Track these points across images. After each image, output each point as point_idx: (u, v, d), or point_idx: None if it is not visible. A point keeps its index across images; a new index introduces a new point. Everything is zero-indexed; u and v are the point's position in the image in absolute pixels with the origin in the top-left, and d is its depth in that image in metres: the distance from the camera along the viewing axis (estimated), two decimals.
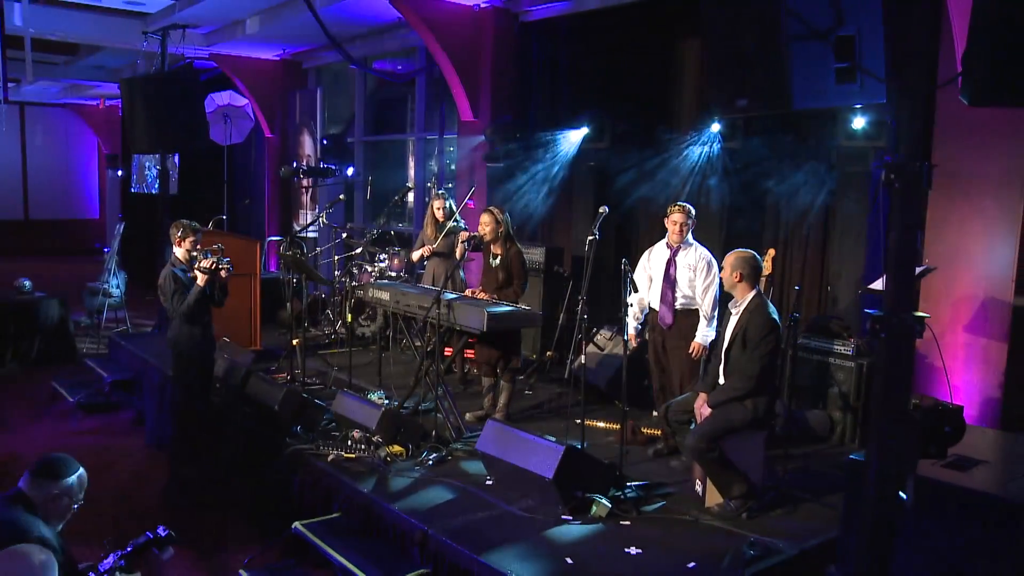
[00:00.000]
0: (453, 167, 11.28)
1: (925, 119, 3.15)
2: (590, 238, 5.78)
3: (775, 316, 5.01)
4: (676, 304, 6.14)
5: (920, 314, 3.26)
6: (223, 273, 6.49)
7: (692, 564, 4.30)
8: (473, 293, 6.96)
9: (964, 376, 6.67)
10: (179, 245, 6.62)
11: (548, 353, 8.24)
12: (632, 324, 6.40)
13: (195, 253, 6.59)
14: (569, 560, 4.35)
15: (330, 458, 5.77)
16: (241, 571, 5.02)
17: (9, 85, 8.50)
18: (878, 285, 6.28)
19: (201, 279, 6.38)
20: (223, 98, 13.85)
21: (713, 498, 5.05)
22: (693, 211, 6.22)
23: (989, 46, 2.88)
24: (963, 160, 6.58)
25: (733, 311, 5.13)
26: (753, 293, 5.04)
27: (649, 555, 4.43)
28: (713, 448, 4.85)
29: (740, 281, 5.05)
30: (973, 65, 2.92)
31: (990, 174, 6.43)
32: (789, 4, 3.09)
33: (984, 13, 2.91)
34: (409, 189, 9.13)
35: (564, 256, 9.13)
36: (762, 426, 5.00)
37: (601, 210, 5.97)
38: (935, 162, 6.75)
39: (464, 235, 7.32)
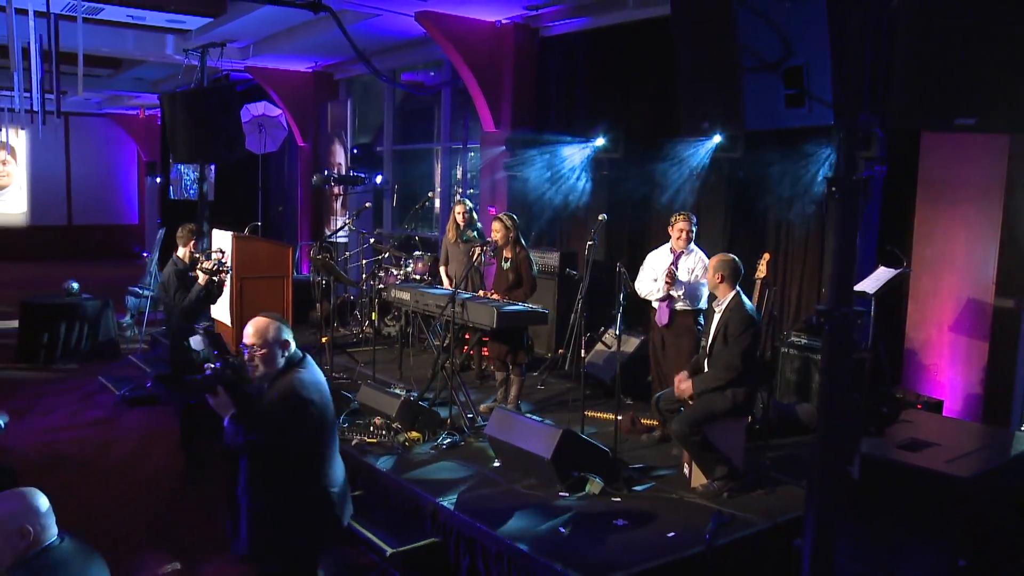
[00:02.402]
0: (477, 174, 11.83)
1: (863, 137, 3.61)
2: (589, 243, 6.30)
3: (753, 314, 5.49)
4: (675, 305, 6.61)
5: (858, 309, 3.72)
6: (222, 274, 7.24)
7: (671, 534, 4.80)
8: (486, 294, 7.50)
9: (948, 373, 7.08)
10: (183, 247, 7.39)
11: (560, 351, 8.74)
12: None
13: (197, 255, 7.32)
14: (562, 529, 4.87)
15: (354, 442, 6.31)
16: None
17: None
18: (863, 286, 6.73)
19: (202, 279, 7.08)
20: (258, 108, 14.48)
21: (699, 479, 5.54)
22: (695, 219, 6.71)
23: (905, 70, 3.35)
24: (948, 169, 6.99)
25: (716, 309, 5.62)
26: (733, 293, 5.52)
27: (634, 526, 4.94)
28: (696, 433, 5.33)
29: (722, 282, 5.54)
30: (891, 89, 3.40)
31: (973, 183, 6.84)
32: (741, 39, 3.57)
33: (901, 40, 3.38)
34: (430, 197, 9.65)
35: (578, 260, 9.61)
36: (742, 414, 5.48)
37: (600, 218, 6.49)
38: (922, 172, 7.20)
39: (479, 247, 7.82)
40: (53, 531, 3.11)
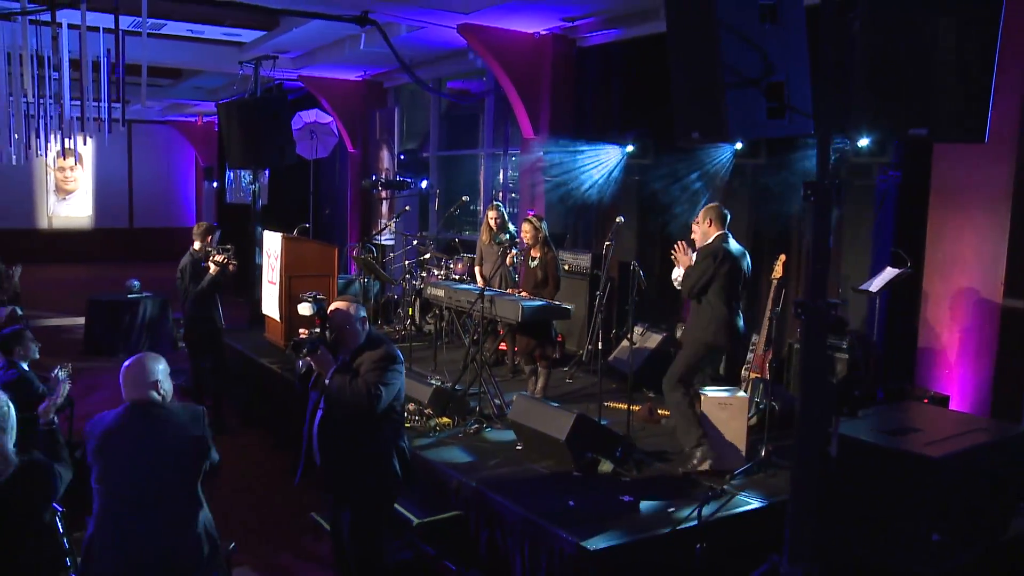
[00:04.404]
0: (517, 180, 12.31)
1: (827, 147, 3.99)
2: (607, 243, 6.75)
3: (719, 249, 6.04)
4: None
5: (833, 300, 4.09)
6: (231, 267, 8.41)
7: (672, 509, 5.22)
8: (515, 291, 7.98)
9: (959, 370, 7.35)
10: (198, 241, 8.53)
11: (588, 346, 9.16)
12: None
13: (210, 248, 8.37)
14: (571, 503, 5.31)
15: None
16: (312, 514, 6.07)
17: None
18: (869, 286, 7.06)
19: (214, 269, 8.24)
20: (310, 116, 15.05)
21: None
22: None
23: (866, 85, 3.74)
24: (958, 176, 7.26)
25: None
26: (719, 233, 6.13)
27: (638, 502, 5.36)
28: (677, 388, 5.93)
29: (711, 226, 6.16)
30: (853, 102, 3.79)
31: (982, 188, 7.11)
32: (724, 57, 3.98)
33: (861, 58, 3.77)
34: (464, 201, 10.14)
35: (610, 262, 10.01)
36: (718, 351, 6.11)
37: (617, 219, 6.94)
38: (934, 178, 7.49)
39: (512, 253, 8.33)
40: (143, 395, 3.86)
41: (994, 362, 7.12)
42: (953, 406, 7.08)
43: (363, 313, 4.64)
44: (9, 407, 3.75)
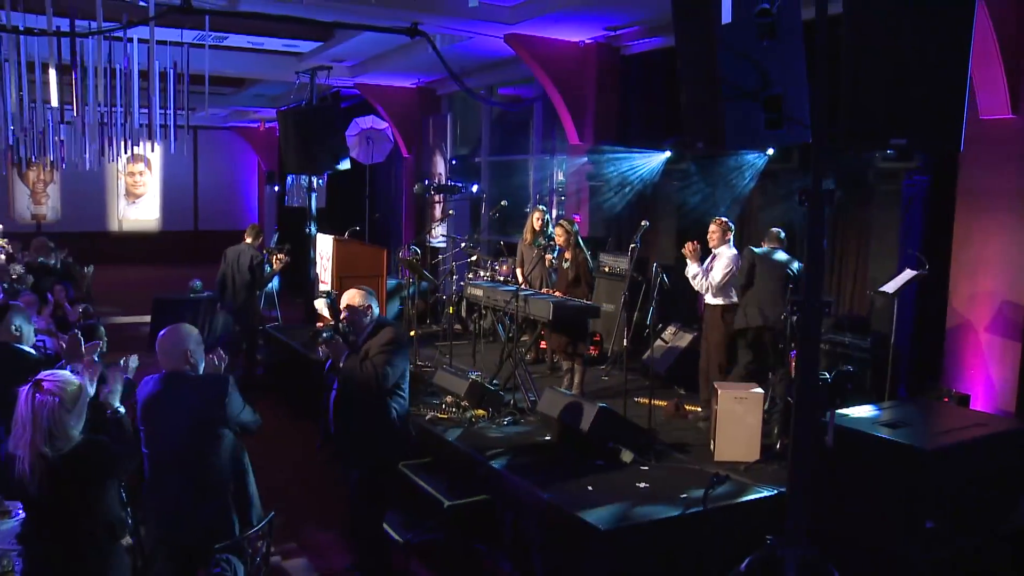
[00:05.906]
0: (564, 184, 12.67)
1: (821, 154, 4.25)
2: (632, 246, 7.09)
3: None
4: (706, 299, 7.38)
5: (827, 299, 4.35)
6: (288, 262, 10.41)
7: (684, 495, 5.53)
8: (549, 291, 8.35)
9: (983, 370, 7.51)
10: (254, 239, 10.07)
11: (624, 345, 9.47)
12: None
13: (268, 248, 9.92)
14: (590, 488, 5.66)
15: (428, 416, 7.24)
16: None
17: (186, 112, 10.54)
18: (888, 287, 7.25)
19: (277, 265, 9.93)
20: (366, 122, 15.54)
21: (722, 452, 6.24)
22: (725, 221, 7.52)
23: (849, 98, 4.01)
24: (984, 180, 7.41)
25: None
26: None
27: (653, 489, 5.69)
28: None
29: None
30: (838, 114, 4.06)
31: (1006, 192, 7.27)
32: (722, 73, 4.29)
33: (846, 72, 4.04)
34: (503, 206, 10.53)
35: (648, 264, 10.30)
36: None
37: (643, 224, 7.28)
38: (961, 181, 7.65)
39: (550, 257, 8.72)
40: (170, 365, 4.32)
41: (1019, 363, 7.26)
42: (976, 406, 7.23)
43: (370, 302, 5.19)
44: (83, 391, 4.07)
